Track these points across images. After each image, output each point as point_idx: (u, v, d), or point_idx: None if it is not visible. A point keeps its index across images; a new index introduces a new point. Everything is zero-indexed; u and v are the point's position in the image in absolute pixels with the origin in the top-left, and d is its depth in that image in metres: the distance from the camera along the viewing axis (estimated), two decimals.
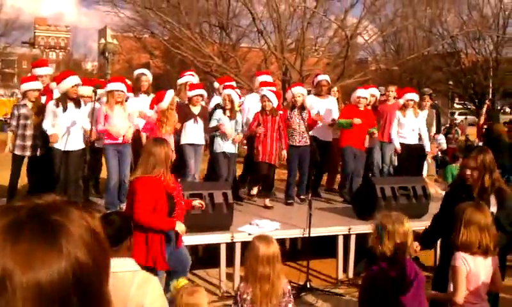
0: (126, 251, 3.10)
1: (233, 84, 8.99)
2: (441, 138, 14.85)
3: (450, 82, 30.71)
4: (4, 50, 46.01)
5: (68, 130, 7.07)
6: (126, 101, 7.41)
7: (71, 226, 0.86)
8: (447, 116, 28.13)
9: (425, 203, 7.36)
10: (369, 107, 8.84)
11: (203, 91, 8.02)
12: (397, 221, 3.25)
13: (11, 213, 0.85)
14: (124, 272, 2.88)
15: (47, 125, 7.03)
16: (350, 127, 8.28)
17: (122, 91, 7.15)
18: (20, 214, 0.85)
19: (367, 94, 8.60)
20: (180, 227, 4.68)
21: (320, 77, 9.22)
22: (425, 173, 8.96)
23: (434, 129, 9.97)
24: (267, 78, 9.00)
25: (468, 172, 4.12)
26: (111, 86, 7.20)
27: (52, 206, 0.88)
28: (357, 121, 8.24)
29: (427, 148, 9.10)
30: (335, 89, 10.04)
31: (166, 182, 4.58)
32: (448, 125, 19.64)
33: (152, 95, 7.83)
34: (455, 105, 38.93)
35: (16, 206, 0.87)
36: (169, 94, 7.31)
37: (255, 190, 8.29)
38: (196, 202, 5.24)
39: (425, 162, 9.03)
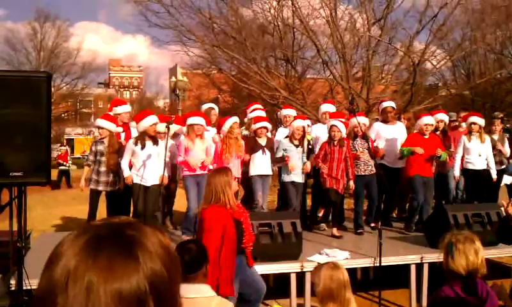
0: (202, 277, 3.23)
1: (295, 112, 9.15)
2: None
3: None
4: (82, 91, 48.55)
5: (146, 166, 7.43)
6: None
7: (145, 240, 0.93)
8: None
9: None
10: (438, 133, 8.69)
11: (267, 124, 8.23)
12: (468, 239, 3.22)
13: (91, 230, 0.93)
14: (200, 297, 3.02)
15: (124, 165, 7.44)
16: (412, 155, 8.14)
17: (202, 125, 7.51)
18: (99, 231, 0.93)
19: (432, 121, 8.41)
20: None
21: (385, 104, 9.18)
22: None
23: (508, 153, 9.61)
24: (330, 107, 9.10)
25: None
26: (191, 120, 7.58)
27: (128, 224, 0.96)
28: (419, 150, 8.05)
29: (493, 175, 8.79)
30: (402, 117, 9.97)
31: (232, 209, 4.68)
32: None
33: None
34: None
35: (95, 225, 0.96)
36: (230, 121, 7.61)
37: (324, 226, 8.24)
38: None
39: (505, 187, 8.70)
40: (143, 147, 7.42)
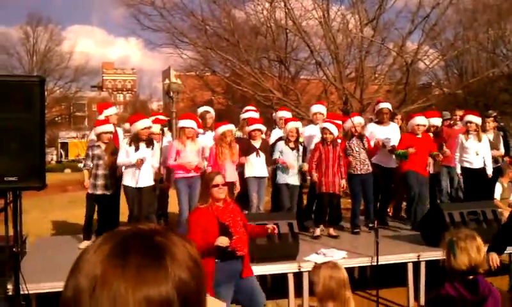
0: None
1: (290, 114, 9.16)
2: None
3: None
4: (75, 95, 48.49)
5: (139, 168, 7.42)
6: (197, 137, 7.74)
7: (174, 248, 0.91)
8: None
9: (496, 228, 7.13)
10: (431, 134, 8.74)
11: (262, 126, 8.23)
12: (469, 236, 3.22)
13: (117, 236, 0.91)
14: None
15: (122, 158, 7.43)
16: (406, 159, 8.16)
17: (193, 128, 7.50)
18: (125, 237, 0.90)
19: (424, 121, 8.45)
20: (220, 240, 4.57)
21: (381, 105, 9.20)
22: (498, 196, 8.64)
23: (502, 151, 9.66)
24: (321, 108, 9.12)
25: None
26: (183, 123, 7.57)
27: (155, 230, 0.93)
28: (411, 150, 8.09)
29: (489, 171, 8.81)
30: (399, 116, 9.99)
31: (218, 211, 4.72)
32: None
33: None
34: None
35: (120, 230, 0.93)
36: (224, 127, 7.65)
37: (318, 232, 8.13)
38: (270, 226, 5.24)
39: (500, 185, 8.71)
40: (136, 149, 7.44)
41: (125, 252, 0.87)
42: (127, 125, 8.36)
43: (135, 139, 7.49)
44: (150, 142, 7.54)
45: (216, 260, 4.64)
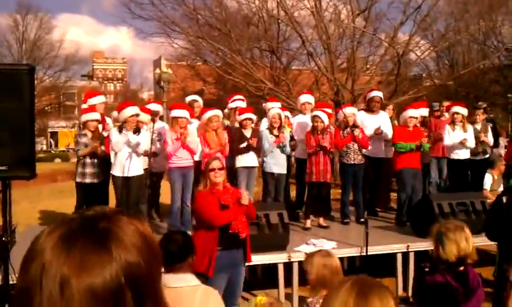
0: (188, 268, 3.26)
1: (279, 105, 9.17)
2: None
3: (509, 95, 29.71)
4: (65, 84, 48.11)
5: (128, 157, 7.42)
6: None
7: (120, 231, 0.91)
8: (506, 129, 27.22)
9: (485, 219, 7.19)
10: (418, 124, 8.77)
11: (252, 115, 8.22)
12: (458, 227, 3.25)
13: (65, 225, 0.91)
14: (186, 286, 3.04)
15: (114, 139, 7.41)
16: (410, 151, 8.17)
17: (185, 118, 7.49)
18: (72, 225, 0.91)
19: (416, 114, 8.46)
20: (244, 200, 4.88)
21: (373, 93, 9.26)
22: (488, 187, 8.70)
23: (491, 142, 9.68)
24: (309, 98, 9.15)
25: None
26: (175, 113, 7.55)
27: (101, 215, 0.94)
28: (413, 145, 8.12)
29: (469, 144, 8.64)
30: (390, 107, 10.02)
31: (218, 194, 4.85)
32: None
33: None
34: None
35: (68, 219, 0.94)
36: (210, 113, 7.72)
37: (308, 223, 8.13)
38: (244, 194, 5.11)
39: (490, 177, 8.77)
40: (124, 137, 7.40)
41: (71, 240, 0.88)
42: (115, 113, 8.32)
43: (123, 127, 7.47)
44: (137, 130, 7.50)
45: (218, 248, 4.73)
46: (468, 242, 3.19)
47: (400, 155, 8.28)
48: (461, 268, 3.19)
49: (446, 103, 9.72)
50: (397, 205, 8.69)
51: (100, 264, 0.86)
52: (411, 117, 8.32)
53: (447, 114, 9.27)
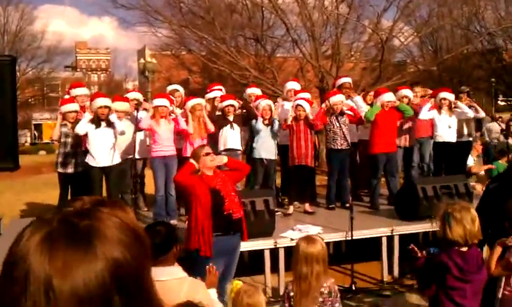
0: (173, 258, 3.23)
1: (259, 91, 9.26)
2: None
3: (492, 79, 30.01)
4: (48, 76, 47.55)
5: (101, 147, 7.37)
6: (170, 115, 7.71)
7: (102, 227, 0.86)
8: (490, 113, 27.51)
9: (468, 201, 7.28)
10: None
11: (234, 102, 8.23)
12: (464, 208, 3.29)
13: (44, 226, 0.86)
14: (172, 279, 3.03)
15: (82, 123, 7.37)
16: (377, 110, 8.22)
17: (166, 106, 7.47)
18: (52, 226, 0.86)
19: (392, 98, 8.44)
20: (220, 159, 5.08)
21: (342, 80, 9.40)
22: (471, 164, 8.86)
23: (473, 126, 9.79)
24: (296, 85, 9.28)
25: None
26: (156, 102, 7.54)
27: (81, 212, 0.89)
28: (379, 103, 8.24)
29: (448, 136, 8.80)
30: (372, 93, 10.06)
31: (208, 179, 4.85)
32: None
33: None
34: (499, 102, 37.99)
35: (47, 218, 0.88)
36: (193, 101, 7.76)
37: (291, 209, 8.16)
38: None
39: (471, 159, 8.90)
40: (96, 127, 7.33)
41: (52, 241, 0.84)
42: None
43: (95, 118, 7.38)
44: (109, 123, 7.38)
45: (215, 234, 4.75)
46: (474, 223, 3.22)
47: (376, 137, 8.28)
48: (466, 248, 3.24)
49: (417, 89, 9.82)
50: (368, 186, 8.79)
51: (84, 264, 0.82)
52: (389, 101, 8.34)
53: (419, 99, 9.38)
